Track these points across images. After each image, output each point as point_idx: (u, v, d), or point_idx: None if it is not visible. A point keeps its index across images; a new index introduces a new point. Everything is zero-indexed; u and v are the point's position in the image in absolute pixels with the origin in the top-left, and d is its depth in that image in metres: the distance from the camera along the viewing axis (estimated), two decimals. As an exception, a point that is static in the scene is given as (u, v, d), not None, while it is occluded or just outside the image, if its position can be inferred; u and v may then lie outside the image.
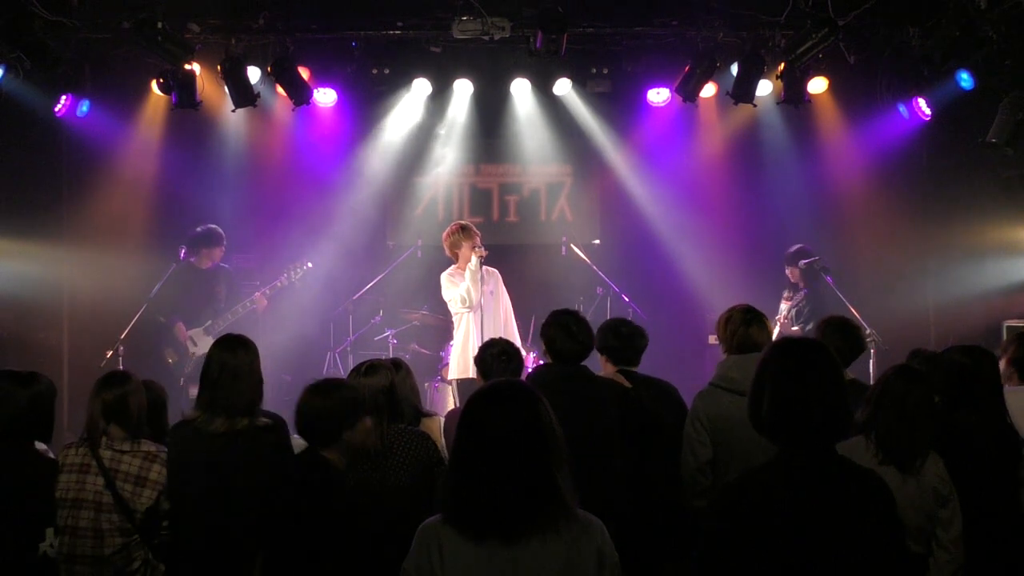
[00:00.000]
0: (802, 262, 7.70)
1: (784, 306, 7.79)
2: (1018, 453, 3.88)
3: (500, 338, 4.68)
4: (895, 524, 2.41)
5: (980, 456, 3.66)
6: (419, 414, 4.25)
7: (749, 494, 2.41)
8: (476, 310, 6.78)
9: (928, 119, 7.99)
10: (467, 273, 6.73)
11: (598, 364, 4.70)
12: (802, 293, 7.77)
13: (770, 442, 2.44)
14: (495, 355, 4.36)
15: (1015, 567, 3.72)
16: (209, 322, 7.61)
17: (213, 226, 7.80)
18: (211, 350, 3.77)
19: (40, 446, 3.97)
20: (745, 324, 4.04)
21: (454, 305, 6.89)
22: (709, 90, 8.22)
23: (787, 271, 7.92)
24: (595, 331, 4.54)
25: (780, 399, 2.41)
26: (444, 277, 6.96)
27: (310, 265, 8.01)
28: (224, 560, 3.60)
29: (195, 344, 7.53)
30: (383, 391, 3.69)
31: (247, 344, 3.79)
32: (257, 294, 7.79)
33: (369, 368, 3.76)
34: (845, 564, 2.31)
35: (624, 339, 4.53)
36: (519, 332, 7.16)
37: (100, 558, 3.61)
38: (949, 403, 3.78)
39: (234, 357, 3.71)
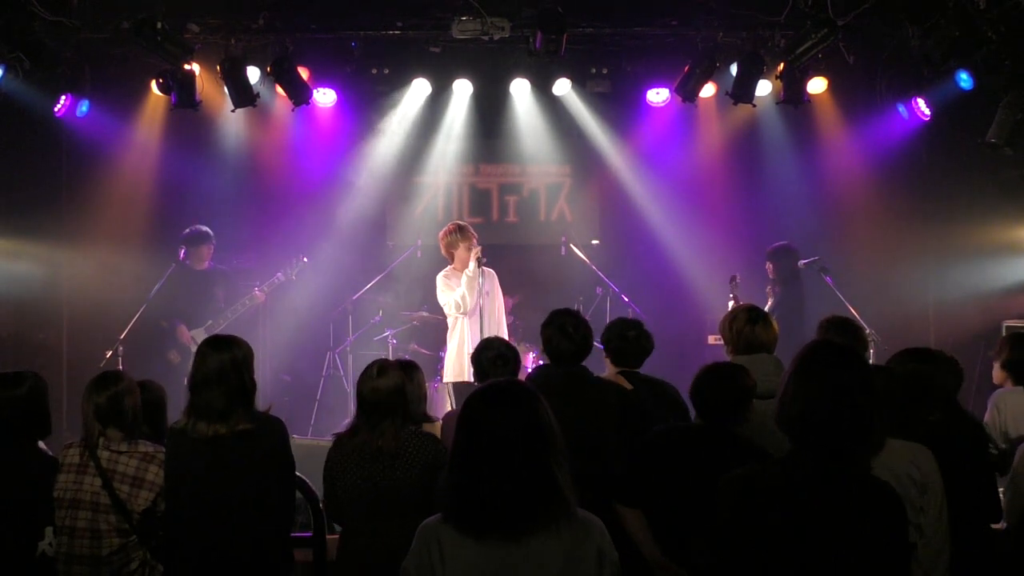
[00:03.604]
0: (802, 262, 7.69)
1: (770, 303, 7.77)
2: (987, 448, 3.94)
3: (497, 339, 4.66)
4: (898, 540, 2.38)
5: (957, 452, 3.64)
6: (425, 417, 4.25)
7: (748, 488, 2.41)
8: (472, 314, 6.78)
9: (928, 119, 7.99)
10: (464, 279, 6.71)
11: (602, 364, 4.70)
12: (775, 291, 7.77)
13: (788, 439, 2.44)
14: (491, 358, 4.34)
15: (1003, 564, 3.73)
16: (210, 322, 7.63)
17: (200, 226, 7.82)
18: (196, 352, 3.68)
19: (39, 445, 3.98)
20: (751, 324, 4.05)
21: (448, 308, 6.90)
22: (709, 90, 8.21)
23: (767, 266, 7.91)
24: (598, 331, 4.55)
25: (799, 399, 2.41)
26: (440, 279, 6.95)
27: (306, 260, 7.98)
28: (220, 563, 3.58)
29: (197, 344, 7.53)
30: (397, 392, 3.70)
31: (226, 345, 3.65)
32: (256, 291, 7.81)
33: (380, 369, 3.74)
34: (836, 570, 2.30)
35: (629, 342, 4.52)
36: (509, 333, 7.15)
37: (98, 558, 3.60)
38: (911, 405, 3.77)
39: (206, 362, 3.58)
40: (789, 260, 7.78)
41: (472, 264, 6.68)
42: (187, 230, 7.79)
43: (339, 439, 3.81)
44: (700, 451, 3.50)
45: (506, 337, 6.87)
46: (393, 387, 3.69)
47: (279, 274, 7.89)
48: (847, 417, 2.36)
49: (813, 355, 2.48)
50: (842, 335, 4.23)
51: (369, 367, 3.78)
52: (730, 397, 3.57)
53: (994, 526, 3.87)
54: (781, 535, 2.32)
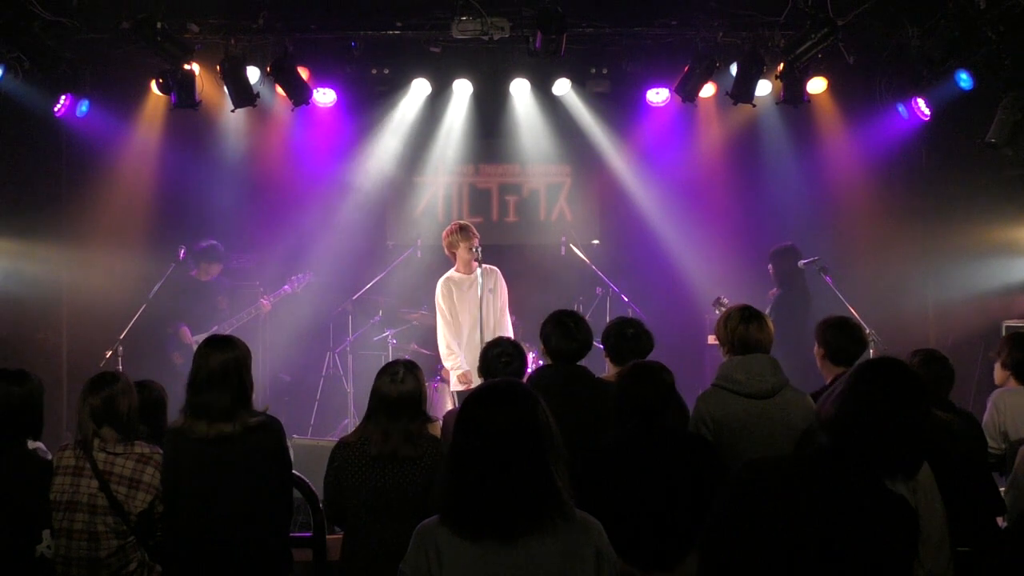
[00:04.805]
0: (802, 262, 7.68)
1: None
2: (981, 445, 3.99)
3: (504, 338, 4.67)
4: (906, 556, 2.36)
5: (946, 452, 3.63)
6: (425, 417, 4.26)
7: (758, 476, 2.40)
8: (472, 316, 6.83)
9: (927, 119, 7.99)
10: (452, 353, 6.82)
11: (603, 364, 4.70)
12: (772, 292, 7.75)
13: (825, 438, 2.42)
14: (496, 356, 4.37)
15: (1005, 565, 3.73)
16: (215, 327, 7.65)
17: (214, 242, 7.92)
18: (196, 351, 3.67)
19: (36, 445, 3.97)
20: (744, 323, 4.03)
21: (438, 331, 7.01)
22: (708, 90, 8.21)
23: (769, 267, 7.90)
24: (597, 331, 4.55)
25: (837, 401, 2.39)
26: (438, 291, 6.95)
27: (312, 276, 8.11)
28: (219, 564, 3.58)
29: None
30: (420, 394, 3.74)
31: (227, 344, 3.65)
32: (263, 301, 7.93)
33: (405, 373, 3.75)
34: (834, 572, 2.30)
35: (627, 340, 4.52)
36: (513, 331, 7.17)
37: (96, 560, 3.59)
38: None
39: (208, 361, 3.58)
40: (786, 261, 7.76)
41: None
42: (202, 244, 7.85)
43: (344, 441, 3.80)
44: (647, 452, 3.50)
45: (511, 333, 6.91)
46: (417, 391, 3.73)
47: (286, 286, 8.02)
48: (875, 429, 2.32)
49: (870, 366, 2.45)
50: (843, 334, 4.21)
51: (392, 369, 3.77)
52: (661, 393, 3.61)
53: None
54: (784, 528, 2.31)
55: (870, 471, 2.34)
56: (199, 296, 7.85)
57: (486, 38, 7.37)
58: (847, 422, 2.36)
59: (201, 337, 7.50)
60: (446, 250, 6.98)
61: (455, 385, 6.91)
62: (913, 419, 2.34)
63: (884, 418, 2.32)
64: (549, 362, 4.46)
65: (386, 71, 8.45)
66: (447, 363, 6.95)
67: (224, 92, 7.79)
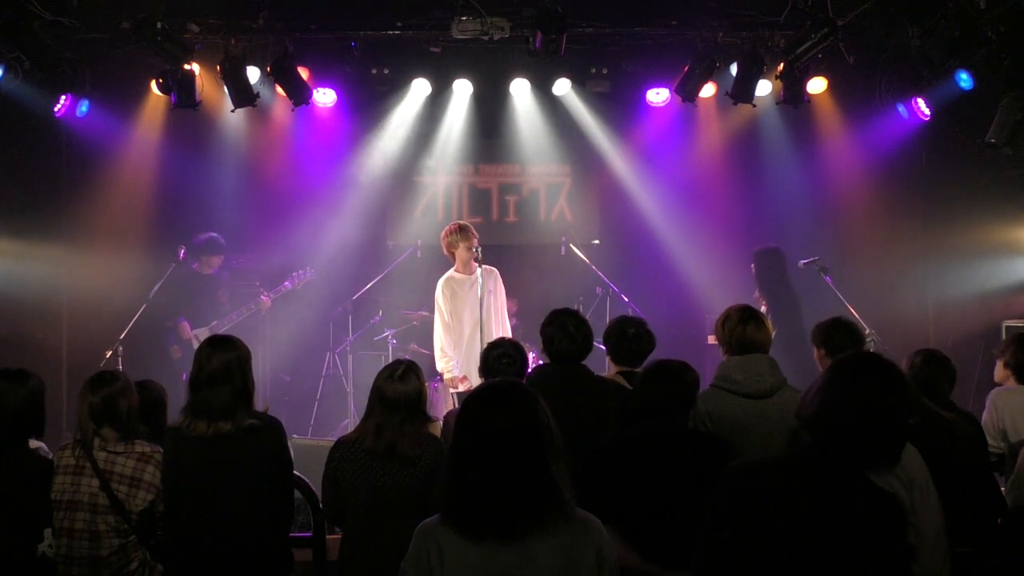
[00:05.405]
0: (802, 262, 7.65)
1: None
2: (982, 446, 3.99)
3: (505, 339, 4.67)
4: (898, 552, 2.36)
5: (945, 451, 3.63)
6: (426, 417, 4.26)
7: (753, 478, 2.41)
8: (470, 322, 6.83)
9: (927, 119, 7.99)
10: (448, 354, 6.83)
11: (603, 365, 4.70)
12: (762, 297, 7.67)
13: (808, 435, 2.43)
14: (497, 357, 4.36)
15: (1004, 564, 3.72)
16: (214, 322, 7.67)
17: (214, 234, 7.92)
18: (197, 351, 3.68)
19: (37, 444, 3.97)
20: (742, 323, 4.02)
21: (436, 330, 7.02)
22: (708, 90, 8.21)
23: (752, 267, 7.86)
24: (598, 331, 4.54)
25: (818, 399, 2.40)
26: (439, 290, 6.95)
27: (314, 273, 8.12)
28: (220, 563, 3.58)
29: (199, 341, 7.58)
30: (420, 395, 3.73)
31: (228, 344, 3.66)
32: (263, 297, 7.95)
33: (404, 373, 3.74)
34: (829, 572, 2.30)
35: (629, 340, 4.51)
36: (512, 331, 7.18)
37: (97, 559, 3.59)
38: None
39: (210, 360, 3.59)
40: (771, 264, 7.68)
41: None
42: (202, 237, 7.84)
43: (342, 439, 3.80)
44: (661, 451, 3.48)
45: (509, 333, 6.91)
46: (417, 391, 3.73)
47: (287, 283, 8.05)
48: (857, 424, 2.33)
49: (846, 361, 2.46)
50: (842, 334, 4.20)
51: (394, 368, 3.77)
52: (680, 394, 3.59)
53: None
54: (778, 531, 2.31)
55: (854, 465, 2.35)
56: (200, 290, 7.86)
57: (486, 38, 7.37)
58: (828, 419, 2.38)
59: (201, 331, 7.57)
60: (445, 250, 6.98)
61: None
62: (891, 407, 2.35)
63: (863, 410, 2.33)
64: (549, 362, 4.46)
65: (386, 71, 8.45)
66: (439, 364, 6.94)
67: (224, 92, 7.79)
